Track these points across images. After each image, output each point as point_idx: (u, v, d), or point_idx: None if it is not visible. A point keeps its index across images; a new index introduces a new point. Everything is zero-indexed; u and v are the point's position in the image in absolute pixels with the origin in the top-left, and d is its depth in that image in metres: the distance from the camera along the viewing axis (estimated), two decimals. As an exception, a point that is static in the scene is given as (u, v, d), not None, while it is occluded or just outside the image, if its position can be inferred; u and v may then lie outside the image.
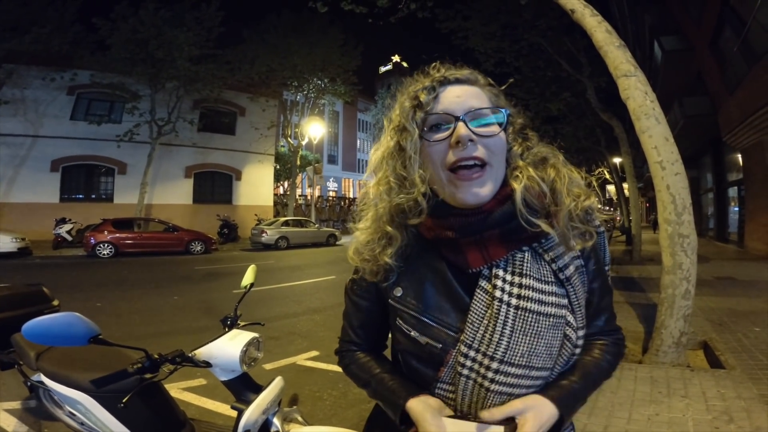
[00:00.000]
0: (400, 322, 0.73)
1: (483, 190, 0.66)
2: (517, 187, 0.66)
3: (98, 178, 18.11)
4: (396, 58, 58.36)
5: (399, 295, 0.73)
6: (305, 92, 21.21)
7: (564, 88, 12.16)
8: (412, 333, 0.71)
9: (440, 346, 0.69)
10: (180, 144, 18.71)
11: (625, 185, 16.48)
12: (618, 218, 24.81)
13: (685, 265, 3.51)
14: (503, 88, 0.75)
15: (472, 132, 0.65)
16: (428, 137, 0.68)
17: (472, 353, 0.66)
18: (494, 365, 0.65)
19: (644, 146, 3.70)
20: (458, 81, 0.71)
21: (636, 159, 14.08)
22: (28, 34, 13.58)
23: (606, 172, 23.69)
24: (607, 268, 0.78)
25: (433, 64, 0.75)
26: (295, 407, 1.43)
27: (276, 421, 1.30)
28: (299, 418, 1.37)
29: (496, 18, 10.39)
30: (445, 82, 0.71)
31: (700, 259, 3.61)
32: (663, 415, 2.63)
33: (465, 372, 0.67)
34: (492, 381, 0.65)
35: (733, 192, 13.60)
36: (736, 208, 13.30)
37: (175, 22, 15.17)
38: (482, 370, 0.66)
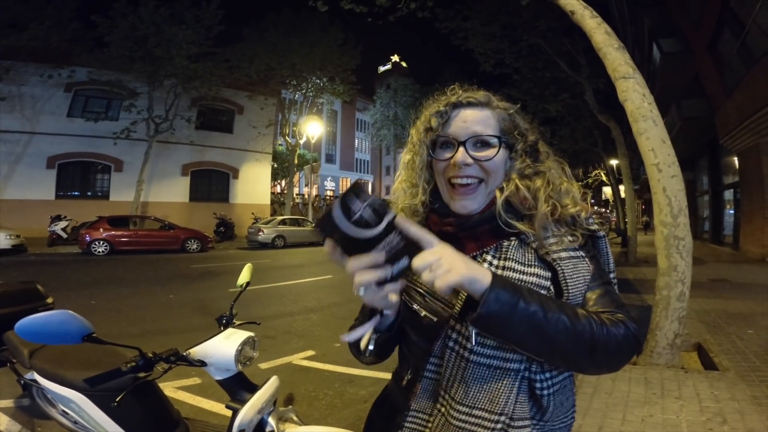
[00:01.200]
0: (405, 296, 0.80)
1: (472, 204, 0.77)
2: (499, 195, 0.77)
3: (94, 176, 18.02)
4: (395, 58, 58.26)
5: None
6: (304, 91, 21.19)
7: (562, 90, 12.19)
8: (414, 306, 0.78)
9: (436, 319, 0.75)
10: (177, 142, 18.66)
11: (622, 187, 16.54)
12: (613, 220, 24.91)
13: (680, 267, 3.52)
14: (513, 110, 0.82)
15: (470, 156, 0.76)
16: (436, 155, 0.81)
17: (458, 326, 0.72)
18: (474, 335, 0.70)
19: (641, 148, 3.71)
20: (470, 104, 0.80)
21: (632, 161, 14.15)
22: (27, 30, 13.50)
23: (603, 174, 23.78)
24: (612, 274, 0.79)
25: (452, 86, 0.84)
26: (290, 407, 1.43)
27: (271, 420, 1.30)
28: (294, 418, 1.37)
29: (496, 18, 10.40)
30: (458, 105, 0.80)
31: (695, 261, 3.63)
32: (657, 416, 2.65)
33: (450, 344, 0.73)
34: (471, 352, 0.70)
35: (728, 195, 13.68)
36: (732, 211, 13.38)
37: (175, 19, 15.12)
38: (464, 341, 0.71)
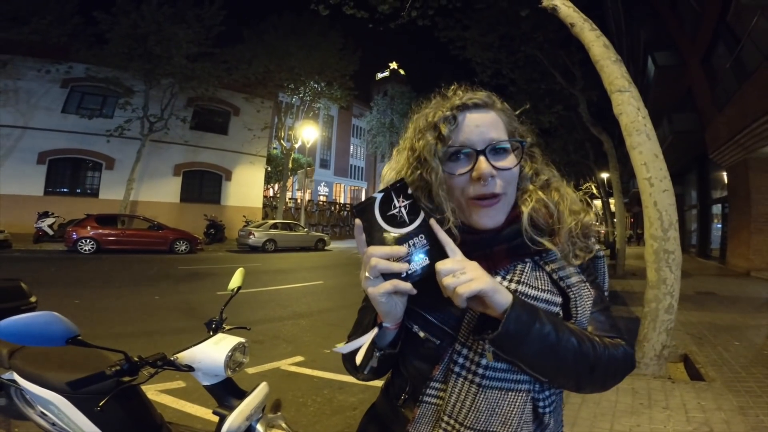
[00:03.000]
0: (405, 317, 0.74)
1: (498, 216, 0.71)
2: (525, 210, 0.72)
3: (84, 173, 17.81)
4: (393, 65, 58.52)
5: None
6: (301, 95, 21.19)
7: (556, 102, 12.32)
8: (413, 328, 0.73)
9: (438, 342, 0.71)
10: (171, 141, 18.53)
11: (612, 200, 16.72)
12: (603, 232, 25.19)
13: (669, 280, 3.56)
14: (517, 112, 0.79)
15: (493, 167, 0.69)
16: (450, 170, 0.71)
17: (465, 351, 0.69)
18: (484, 362, 0.67)
19: (634, 162, 3.75)
20: (476, 106, 0.73)
21: (623, 174, 14.33)
22: (28, 24, 13.45)
23: (593, 187, 24.05)
24: (605, 287, 0.80)
25: (452, 87, 0.77)
26: (279, 413, 1.41)
27: (259, 427, 1.27)
28: (284, 425, 1.35)
29: (494, 29, 10.49)
30: (464, 108, 0.73)
31: (682, 274, 3.67)
32: (644, 426, 2.66)
33: (456, 369, 0.69)
34: (483, 377, 0.67)
35: (716, 209, 13.89)
36: (719, 225, 13.58)
37: (176, 18, 15.14)
38: (473, 367, 0.68)
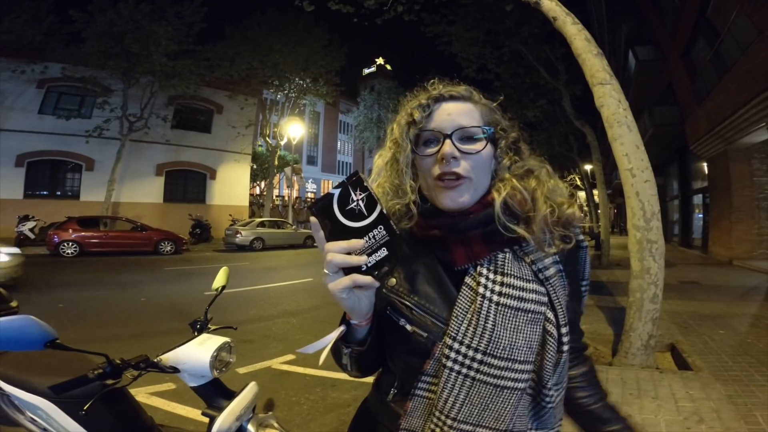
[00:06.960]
0: (391, 310, 0.75)
1: (462, 198, 0.72)
2: (497, 197, 0.73)
3: (64, 175, 17.34)
4: (380, 61, 58.33)
5: (393, 285, 0.77)
6: (286, 92, 20.95)
7: (541, 96, 12.46)
8: (400, 321, 0.73)
9: (426, 335, 0.71)
10: (152, 141, 18.15)
11: (595, 192, 16.99)
12: (587, 224, 25.56)
13: (653, 269, 3.62)
14: (495, 105, 0.81)
15: (457, 149, 0.72)
16: (420, 151, 0.76)
17: (456, 345, 0.68)
18: (479, 356, 0.67)
19: (615, 153, 3.80)
20: (453, 98, 0.77)
21: (606, 166, 14.57)
22: (1, 24, 13.04)
23: (577, 179, 24.40)
24: (585, 282, 0.81)
25: (432, 81, 0.81)
26: (270, 413, 1.39)
27: (250, 427, 1.25)
28: (275, 424, 1.33)
29: (480, 24, 10.56)
30: (440, 99, 0.77)
31: (666, 264, 3.73)
32: (635, 416, 2.70)
33: (449, 363, 0.68)
34: (477, 371, 0.67)
35: (697, 199, 14.22)
36: (701, 215, 13.91)
37: (155, 16, 14.77)
38: (467, 362, 0.68)
